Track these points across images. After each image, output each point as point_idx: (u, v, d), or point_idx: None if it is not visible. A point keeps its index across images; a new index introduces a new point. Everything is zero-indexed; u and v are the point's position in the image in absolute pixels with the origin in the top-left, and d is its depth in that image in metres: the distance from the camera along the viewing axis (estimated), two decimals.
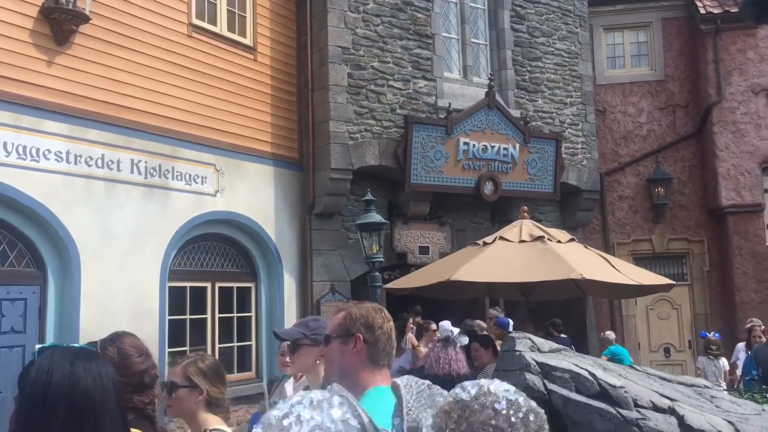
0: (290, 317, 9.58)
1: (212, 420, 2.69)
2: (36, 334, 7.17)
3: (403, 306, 9.29)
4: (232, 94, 9.39)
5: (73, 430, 1.62)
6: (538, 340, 4.93)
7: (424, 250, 10.88)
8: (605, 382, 4.37)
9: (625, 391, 4.34)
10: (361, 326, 2.16)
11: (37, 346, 1.78)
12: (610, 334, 10.67)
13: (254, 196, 9.60)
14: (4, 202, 6.97)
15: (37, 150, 7.17)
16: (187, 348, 8.64)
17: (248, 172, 9.54)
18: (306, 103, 10.34)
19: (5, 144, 6.90)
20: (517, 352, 4.71)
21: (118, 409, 1.76)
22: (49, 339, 7.21)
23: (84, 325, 7.29)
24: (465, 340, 6.22)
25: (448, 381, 5.88)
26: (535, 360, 4.59)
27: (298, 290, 10.04)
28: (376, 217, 7.48)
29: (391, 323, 2.24)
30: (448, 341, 6.13)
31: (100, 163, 7.75)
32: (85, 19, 7.56)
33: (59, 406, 1.61)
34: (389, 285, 7.61)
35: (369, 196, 7.79)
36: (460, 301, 9.33)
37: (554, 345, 4.99)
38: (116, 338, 2.26)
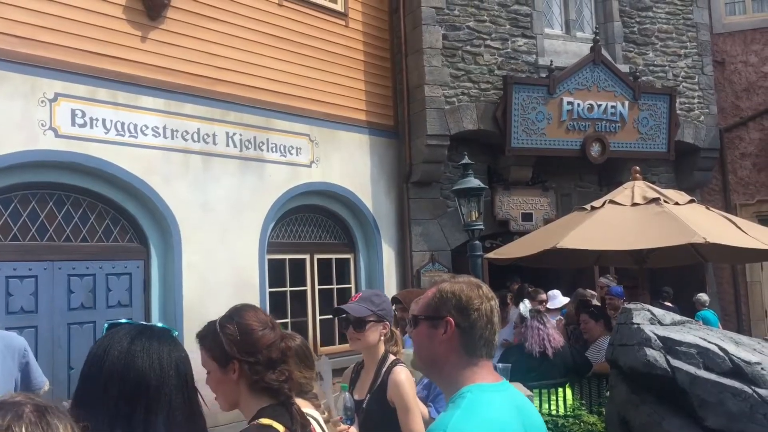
0: (390, 288, 9.40)
1: (299, 404, 2.47)
2: (142, 308, 7.31)
3: (506, 277, 8.91)
4: (324, 62, 9.20)
5: (123, 411, 1.51)
6: (659, 312, 4.47)
7: (527, 216, 10.40)
8: (738, 357, 3.89)
9: (762, 368, 3.84)
10: (452, 308, 1.77)
11: (107, 323, 1.68)
12: (703, 296, 9.75)
13: (350, 165, 9.42)
14: (106, 179, 7.07)
15: (135, 126, 7.23)
16: (288, 320, 8.63)
17: (343, 142, 9.36)
18: (400, 68, 10.02)
19: (104, 121, 6.98)
20: (635, 325, 4.28)
21: (182, 395, 1.61)
22: (154, 312, 7.34)
23: (187, 298, 7.36)
24: (524, 309, 5.78)
25: (545, 359, 5.50)
26: (656, 334, 4.15)
27: (397, 261, 9.83)
28: (474, 181, 7.10)
29: (493, 302, 1.84)
30: (539, 314, 5.74)
31: (196, 137, 7.75)
32: None
33: (111, 384, 1.53)
34: (490, 254, 7.22)
35: (466, 160, 7.40)
36: (567, 270, 8.83)
37: (677, 317, 4.51)
38: (235, 314, 2.04)
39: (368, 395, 3.00)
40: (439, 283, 1.88)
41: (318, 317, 8.99)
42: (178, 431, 1.57)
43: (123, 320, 1.75)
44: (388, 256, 9.76)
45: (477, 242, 7.39)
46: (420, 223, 9.89)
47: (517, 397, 1.78)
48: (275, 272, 8.58)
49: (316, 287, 9.10)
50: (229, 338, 1.96)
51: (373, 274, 9.62)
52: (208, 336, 2.02)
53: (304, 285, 9.00)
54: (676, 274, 9.83)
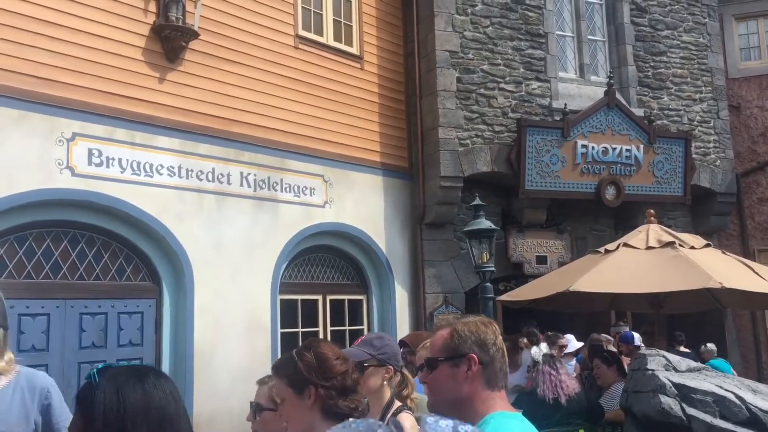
0: (403, 330, 9.31)
1: None
2: (153, 347, 7.28)
3: (520, 320, 8.80)
4: (339, 104, 9.29)
5: None
6: (674, 358, 4.38)
7: (541, 259, 10.33)
8: (756, 406, 3.79)
9: None
10: (473, 344, 1.84)
11: (95, 368, 1.68)
12: (711, 347, 9.56)
13: (363, 206, 9.43)
14: (121, 217, 7.12)
15: (151, 165, 7.30)
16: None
17: (357, 183, 9.39)
18: (414, 110, 10.10)
19: (120, 160, 7.06)
20: (650, 371, 4.20)
21: (188, 425, 1.67)
22: (165, 351, 7.31)
23: (198, 338, 7.33)
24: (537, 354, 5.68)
25: (557, 406, 5.38)
26: (671, 380, 4.06)
27: (410, 302, 9.77)
28: (485, 223, 7.07)
29: (501, 338, 1.93)
30: (552, 359, 5.63)
31: (210, 176, 7.81)
32: (194, 35, 7.67)
33: (138, 425, 1.55)
34: (503, 297, 7.16)
35: (477, 201, 7.38)
36: (582, 314, 8.72)
37: (693, 363, 4.41)
38: (311, 344, 2.23)
39: None
40: (451, 324, 1.92)
41: None
42: None
43: (103, 365, 1.74)
44: (401, 297, 9.69)
45: (488, 284, 7.32)
46: (433, 264, 9.84)
47: (533, 429, 1.85)
48: (287, 312, 8.54)
49: (329, 328, 9.04)
50: (306, 365, 2.11)
51: (386, 316, 9.55)
52: (286, 364, 2.17)
53: (317, 326, 8.95)
54: (695, 321, 9.67)
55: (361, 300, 9.60)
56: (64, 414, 2.90)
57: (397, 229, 9.84)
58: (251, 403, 2.60)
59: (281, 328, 8.35)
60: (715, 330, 10.65)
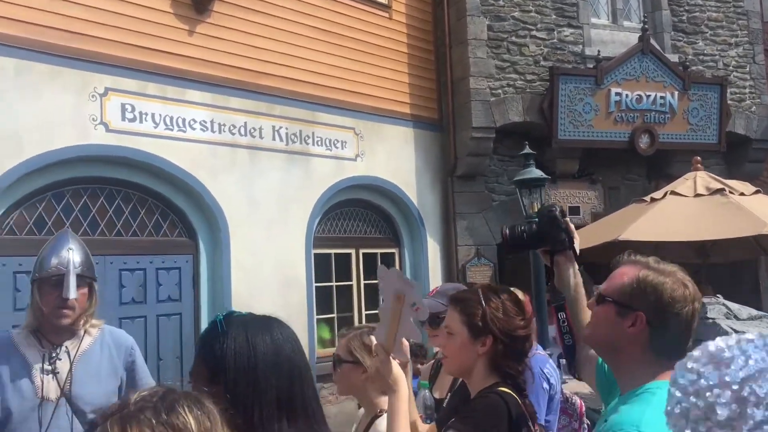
0: (435, 282, 9.27)
1: (385, 401, 2.38)
2: (191, 303, 7.29)
3: None
4: (368, 55, 9.10)
5: (285, 396, 1.51)
6: (734, 306, 4.29)
7: (574, 210, 10.19)
8: None
9: None
10: (649, 304, 1.59)
11: (220, 315, 1.63)
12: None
13: (394, 159, 9.31)
14: (155, 173, 7.06)
15: (183, 120, 7.21)
16: (335, 315, 8.57)
17: (388, 135, 9.26)
18: (444, 60, 9.88)
19: (153, 115, 6.97)
20: (710, 320, 4.11)
21: (312, 377, 1.62)
22: (203, 306, 7.32)
23: (235, 293, 7.33)
24: None
25: None
26: (732, 329, 3.97)
27: (442, 255, 9.71)
28: (536, 172, 6.91)
29: (696, 304, 1.65)
30: None
31: (242, 130, 7.71)
32: None
33: (269, 375, 1.50)
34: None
35: (527, 150, 7.22)
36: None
37: (753, 311, 4.32)
38: (501, 291, 2.13)
39: (449, 394, 2.89)
40: (643, 267, 1.68)
41: (364, 312, 8.90)
42: (322, 415, 1.58)
43: (228, 311, 1.68)
44: (434, 250, 9.64)
45: None
46: (465, 217, 9.75)
47: None
48: (321, 267, 8.52)
49: (362, 282, 9.02)
50: (493, 313, 2.02)
51: (419, 269, 9.51)
52: (468, 302, 2.08)
53: (350, 280, 8.92)
54: (727, 272, 9.54)
55: (393, 253, 9.55)
56: (146, 371, 2.92)
57: (428, 182, 9.73)
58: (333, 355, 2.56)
59: (315, 282, 8.33)
60: (749, 278, 10.54)
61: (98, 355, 2.78)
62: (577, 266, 2.06)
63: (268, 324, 1.59)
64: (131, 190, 6.99)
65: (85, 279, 2.75)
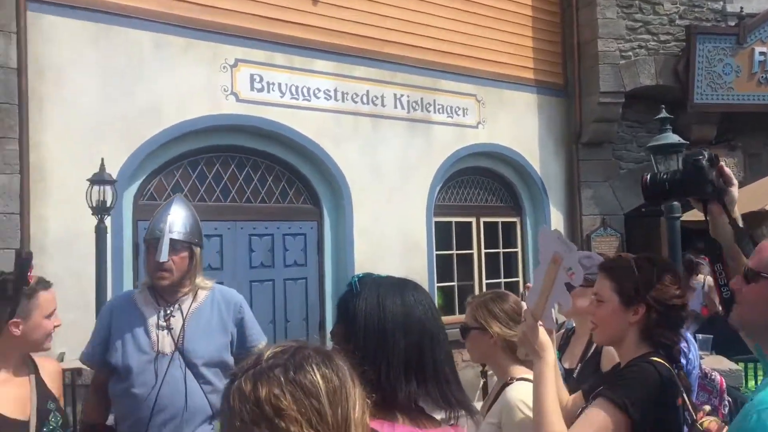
0: None
1: (518, 369, 2.35)
2: (316, 268, 7.50)
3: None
4: (491, 19, 8.89)
5: (414, 357, 1.52)
6: None
7: None
8: None
9: None
10: None
11: (355, 277, 1.65)
12: None
13: (517, 126, 9.11)
14: (282, 142, 7.27)
15: (308, 89, 7.35)
16: (455, 283, 8.56)
17: (510, 101, 9.05)
18: (570, 22, 9.50)
19: (280, 85, 7.15)
20: None
21: (447, 341, 1.60)
22: (327, 272, 7.51)
23: (358, 260, 7.47)
24: None
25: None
26: None
27: (566, 225, 9.45)
28: (672, 137, 6.50)
29: None
30: None
31: (365, 99, 7.78)
32: None
33: (397, 336, 1.52)
34: (689, 216, 6.59)
35: (664, 114, 6.82)
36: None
37: None
38: (655, 261, 2.05)
39: (579, 365, 2.81)
40: None
41: (484, 281, 8.84)
42: (456, 379, 1.57)
43: (362, 274, 1.69)
44: (557, 219, 9.39)
45: (676, 203, 6.71)
46: (590, 185, 9.42)
47: None
48: (442, 235, 8.52)
49: (483, 251, 8.94)
50: (646, 281, 1.97)
51: None
52: (620, 269, 2.03)
53: (471, 248, 8.87)
54: None
55: (514, 222, 9.39)
56: (255, 327, 3.01)
57: (552, 149, 9.46)
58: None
59: (436, 250, 8.34)
60: None
61: (209, 313, 2.90)
62: (735, 213, 1.88)
63: (402, 286, 1.60)
64: (260, 158, 7.24)
65: (183, 243, 2.84)
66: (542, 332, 1.92)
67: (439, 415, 1.57)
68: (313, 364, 0.97)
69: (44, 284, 2.44)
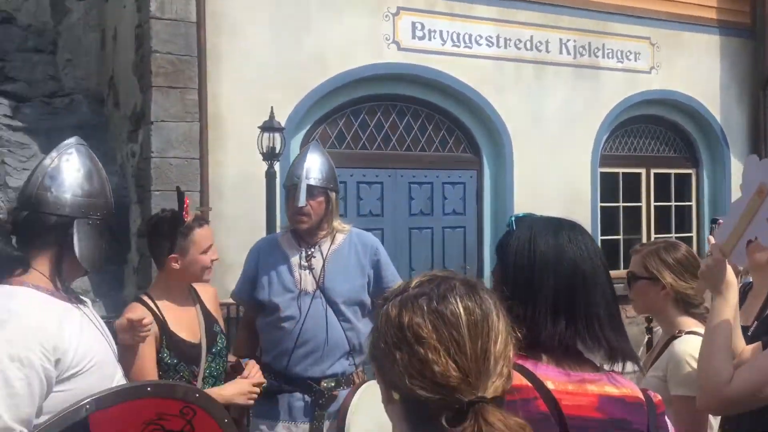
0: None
1: (688, 322, 2.22)
2: (474, 217, 7.50)
3: None
4: None
5: (564, 298, 1.46)
6: None
7: None
8: None
9: None
10: None
11: (513, 217, 1.64)
12: None
13: (695, 71, 8.45)
14: (442, 90, 7.25)
15: (470, 36, 7.25)
16: (620, 237, 8.21)
17: (688, 44, 8.40)
18: None
19: (441, 33, 7.12)
20: None
21: (611, 289, 1.52)
22: (486, 222, 7.49)
23: (518, 209, 7.35)
24: None
25: None
26: None
27: None
28: None
29: None
30: None
31: (528, 45, 7.55)
32: None
33: (546, 276, 1.47)
34: None
35: None
36: None
37: None
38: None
39: (755, 322, 2.60)
40: None
41: (653, 235, 8.39)
42: (613, 325, 1.48)
43: (523, 213, 1.67)
44: (738, 173, 8.62)
45: None
46: None
47: None
48: (608, 186, 8.17)
49: (652, 204, 8.48)
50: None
51: (719, 192, 8.67)
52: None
53: (639, 201, 8.44)
54: None
55: (689, 174, 8.80)
56: (391, 269, 3.09)
57: (735, 96, 8.70)
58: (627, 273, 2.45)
59: (601, 201, 8.03)
60: None
61: (346, 254, 3.02)
62: None
63: (558, 226, 1.54)
64: (420, 107, 7.28)
65: (320, 189, 2.93)
66: (729, 270, 1.81)
67: (598, 361, 1.52)
68: (457, 296, 0.99)
69: (200, 222, 2.58)
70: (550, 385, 1.36)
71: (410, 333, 0.96)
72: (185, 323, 2.56)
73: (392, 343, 0.97)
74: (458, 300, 0.98)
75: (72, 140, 1.98)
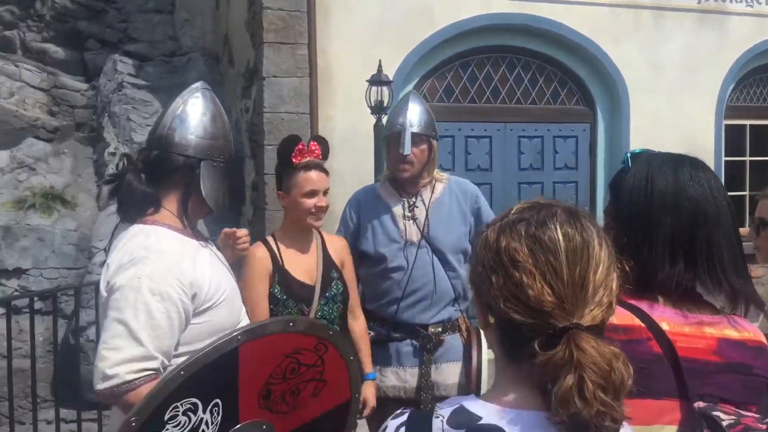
0: None
1: None
2: (587, 172, 7.27)
3: None
4: None
5: (683, 238, 1.41)
6: None
7: None
8: None
9: None
10: None
11: (629, 153, 1.58)
12: None
13: None
14: (555, 40, 7.00)
15: None
16: (746, 193, 7.73)
17: None
18: None
19: None
20: None
21: (735, 230, 1.44)
22: (600, 176, 7.24)
23: None
24: None
25: None
26: None
27: None
28: None
29: None
30: None
31: None
32: None
33: (664, 215, 1.41)
34: None
35: None
36: None
37: None
38: None
39: None
40: None
41: None
42: (737, 267, 1.40)
43: (639, 149, 1.59)
44: None
45: None
46: None
47: None
48: (733, 139, 7.69)
49: None
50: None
51: None
52: None
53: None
54: None
55: None
56: (492, 216, 3.03)
57: None
58: (754, 218, 2.31)
59: (726, 155, 7.58)
60: None
61: (448, 203, 3.01)
62: None
63: (678, 163, 1.47)
64: (531, 58, 7.08)
65: (423, 137, 2.93)
66: None
67: (719, 304, 1.44)
68: (557, 222, 0.99)
69: (306, 166, 2.62)
70: (665, 326, 1.33)
71: (506, 257, 0.97)
72: (302, 265, 2.67)
73: (489, 266, 0.98)
74: (557, 226, 0.98)
75: (198, 84, 2.05)
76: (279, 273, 2.62)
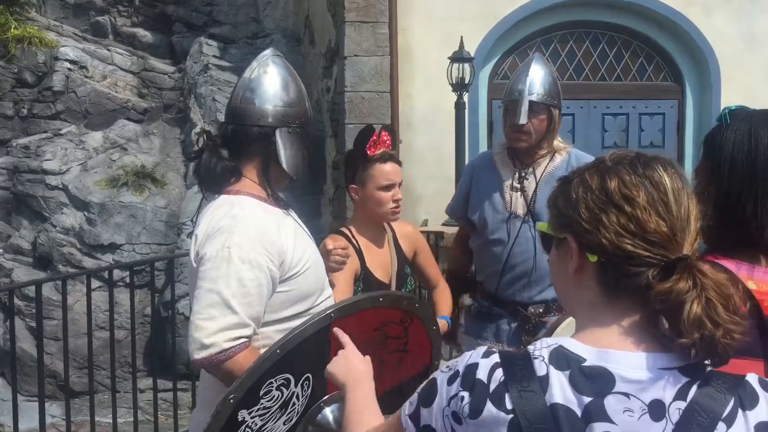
0: None
1: None
2: (674, 149, 7.04)
3: None
4: None
5: None
6: None
7: None
8: None
9: None
10: None
11: (726, 109, 1.52)
12: None
13: None
14: (641, 13, 6.79)
15: None
16: None
17: None
18: None
19: None
20: None
21: None
22: (687, 154, 7.02)
23: None
24: None
25: None
26: None
27: None
28: None
29: None
30: None
31: None
32: None
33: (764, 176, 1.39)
34: None
35: None
36: None
37: None
38: None
39: None
40: None
41: None
42: None
43: (735, 106, 1.54)
44: None
45: None
46: None
47: None
48: None
49: None
50: None
51: None
52: None
53: None
54: None
55: None
56: None
57: None
58: None
59: None
60: None
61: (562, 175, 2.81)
62: None
63: None
64: (616, 33, 6.89)
65: (542, 105, 2.72)
66: None
67: None
68: (659, 164, 1.02)
69: (383, 157, 2.47)
70: (751, 286, 1.31)
71: (618, 196, 0.99)
72: (379, 261, 2.56)
73: (597, 206, 1.00)
74: (661, 167, 1.01)
75: (268, 51, 2.01)
76: (364, 271, 2.49)
